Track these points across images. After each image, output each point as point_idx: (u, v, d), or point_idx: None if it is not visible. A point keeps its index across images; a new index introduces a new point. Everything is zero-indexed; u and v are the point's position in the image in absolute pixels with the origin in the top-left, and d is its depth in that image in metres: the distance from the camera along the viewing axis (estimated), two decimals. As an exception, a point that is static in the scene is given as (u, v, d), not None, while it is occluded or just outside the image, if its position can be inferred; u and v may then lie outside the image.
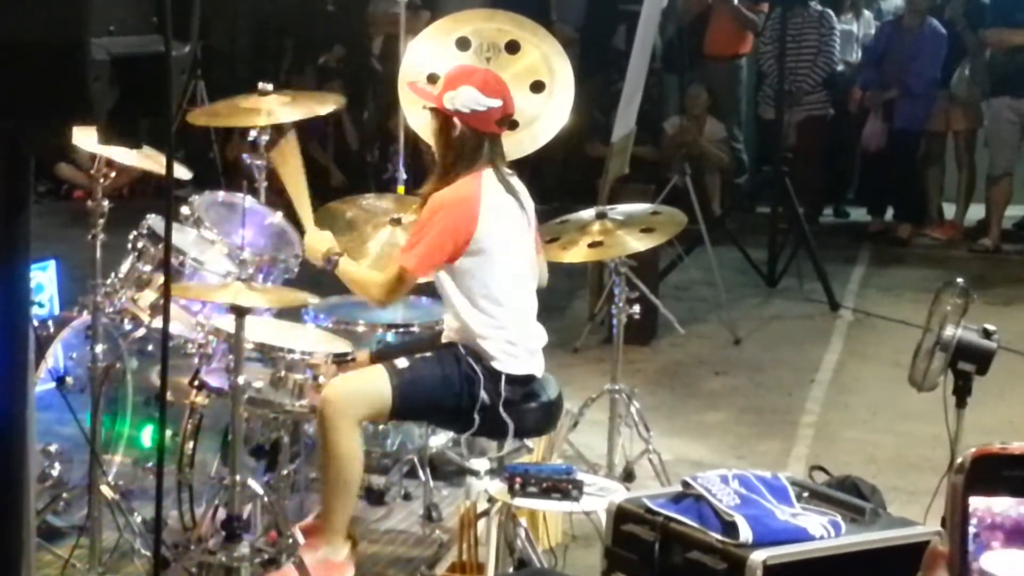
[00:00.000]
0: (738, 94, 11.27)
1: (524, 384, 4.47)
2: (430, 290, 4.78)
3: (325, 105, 5.59)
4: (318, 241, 4.59)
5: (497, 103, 4.41)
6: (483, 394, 4.39)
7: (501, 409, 4.40)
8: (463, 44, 5.23)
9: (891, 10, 11.24)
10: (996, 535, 1.23)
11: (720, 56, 11.02)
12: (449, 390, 4.39)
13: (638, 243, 5.25)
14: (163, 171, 2.13)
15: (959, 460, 1.25)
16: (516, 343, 4.46)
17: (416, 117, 5.24)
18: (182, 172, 4.82)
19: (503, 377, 4.40)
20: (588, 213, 5.33)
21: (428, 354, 4.47)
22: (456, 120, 4.40)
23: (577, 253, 5.21)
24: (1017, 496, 1.23)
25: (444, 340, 4.52)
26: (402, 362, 4.39)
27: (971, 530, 1.23)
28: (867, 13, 10.92)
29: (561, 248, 5.18)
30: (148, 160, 4.24)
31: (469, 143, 4.41)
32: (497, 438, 4.51)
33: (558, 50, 5.30)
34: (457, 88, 4.42)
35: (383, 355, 4.60)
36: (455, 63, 5.11)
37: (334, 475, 4.32)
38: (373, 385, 4.34)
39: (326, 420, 4.28)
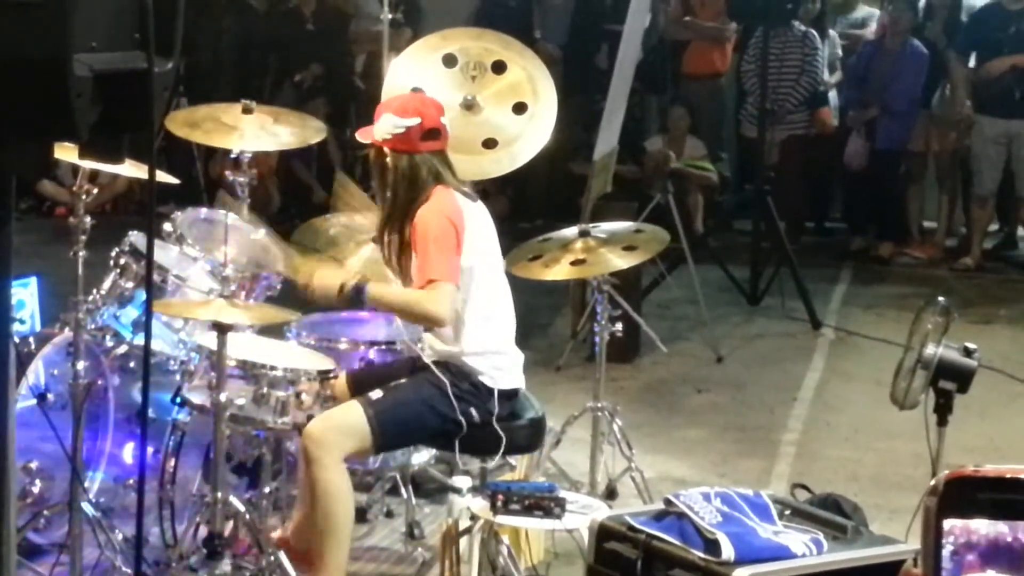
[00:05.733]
0: (719, 112, 11.29)
1: (511, 398, 4.47)
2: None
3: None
4: (328, 276, 4.47)
5: (414, 121, 4.39)
6: (472, 411, 4.36)
7: (495, 425, 4.40)
8: (449, 61, 5.24)
9: (862, 18, 11.22)
10: (973, 555, 1.24)
11: (698, 75, 11.06)
12: (429, 412, 4.35)
13: (621, 261, 5.26)
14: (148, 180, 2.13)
15: (932, 483, 1.26)
16: (505, 357, 4.46)
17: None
18: (168, 179, 4.80)
19: (495, 393, 4.40)
20: (571, 231, 5.34)
21: (403, 380, 4.43)
22: (386, 149, 4.43)
23: (559, 271, 5.21)
24: (991, 518, 1.24)
25: (426, 360, 4.47)
26: (375, 393, 4.35)
27: (948, 550, 1.24)
28: (833, 33, 10.91)
29: (543, 266, 5.18)
30: (133, 168, 4.23)
31: (403, 166, 4.41)
32: (490, 454, 4.50)
33: (544, 73, 5.31)
34: (379, 118, 4.45)
35: (360, 377, 4.59)
36: (439, 80, 5.12)
37: (322, 515, 4.24)
38: (349, 419, 4.29)
39: (308, 454, 4.24)
